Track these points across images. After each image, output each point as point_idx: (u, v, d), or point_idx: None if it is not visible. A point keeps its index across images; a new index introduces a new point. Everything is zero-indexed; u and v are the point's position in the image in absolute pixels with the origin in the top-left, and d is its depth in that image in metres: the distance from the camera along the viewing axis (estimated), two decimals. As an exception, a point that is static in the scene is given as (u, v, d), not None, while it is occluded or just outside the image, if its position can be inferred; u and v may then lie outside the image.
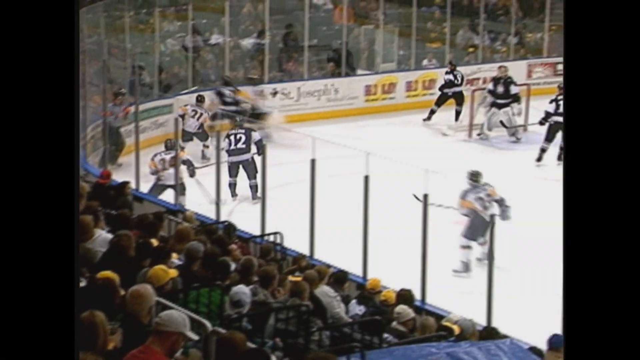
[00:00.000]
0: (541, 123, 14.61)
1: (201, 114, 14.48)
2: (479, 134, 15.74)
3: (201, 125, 14.42)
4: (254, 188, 12.25)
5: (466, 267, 10.13)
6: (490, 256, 7.79)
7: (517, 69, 18.97)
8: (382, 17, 18.73)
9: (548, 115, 14.49)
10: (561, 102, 14.13)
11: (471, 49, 19.66)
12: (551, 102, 14.58)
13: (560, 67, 19.50)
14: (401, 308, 6.76)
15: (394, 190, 12.48)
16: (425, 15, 19.58)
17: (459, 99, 16.70)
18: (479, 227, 10.08)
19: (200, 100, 14.72)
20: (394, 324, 6.64)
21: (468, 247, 10.20)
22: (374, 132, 16.34)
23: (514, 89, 15.78)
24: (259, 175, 10.43)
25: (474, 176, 10.43)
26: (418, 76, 18.52)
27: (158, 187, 11.72)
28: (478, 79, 18.74)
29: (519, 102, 15.88)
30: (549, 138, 14.33)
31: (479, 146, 15.55)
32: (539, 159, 14.38)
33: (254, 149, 12.55)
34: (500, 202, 10.12)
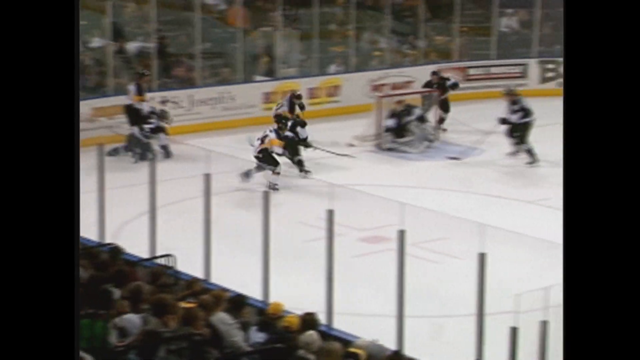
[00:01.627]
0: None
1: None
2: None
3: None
4: None
5: None
6: (400, 280, 7.85)
7: (425, 74, 19.30)
8: (281, 19, 18.76)
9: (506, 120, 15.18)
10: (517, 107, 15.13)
11: (377, 53, 19.87)
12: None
13: (472, 71, 19.88)
14: (308, 336, 6.74)
15: (298, 206, 12.55)
16: (328, 17, 19.68)
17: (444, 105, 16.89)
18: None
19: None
20: (301, 352, 6.61)
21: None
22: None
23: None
24: (147, 192, 10.27)
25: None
26: (321, 82, 18.63)
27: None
28: (385, 84, 18.97)
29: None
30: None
31: (386, 157, 15.70)
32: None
33: None
34: None
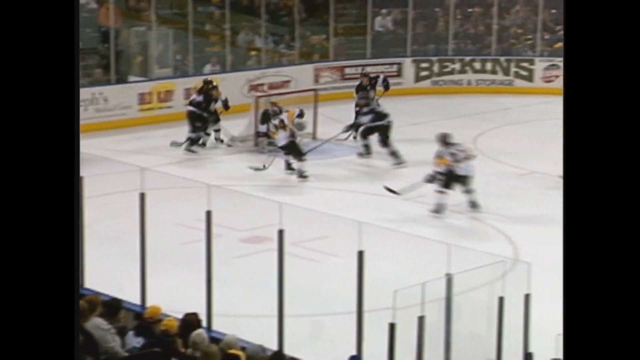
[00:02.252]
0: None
1: None
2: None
3: None
4: None
5: (441, 208, 12.62)
6: (280, 280, 7.87)
7: (303, 74, 19.39)
8: (154, 17, 18.54)
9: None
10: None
11: (254, 52, 19.86)
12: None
13: (348, 70, 20.08)
14: (197, 335, 6.71)
15: (176, 207, 12.43)
16: (204, 15, 19.56)
17: None
18: (451, 180, 12.71)
19: None
20: (189, 351, 6.57)
21: (442, 192, 12.67)
22: (150, 145, 16.15)
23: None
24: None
25: (445, 137, 12.95)
26: (197, 82, 18.49)
27: None
28: (262, 84, 18.99)
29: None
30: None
31: (265, 157, 15.73)
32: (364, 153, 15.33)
33: None
34: (470, 156, 12.92)
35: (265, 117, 15.62)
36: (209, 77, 16.57)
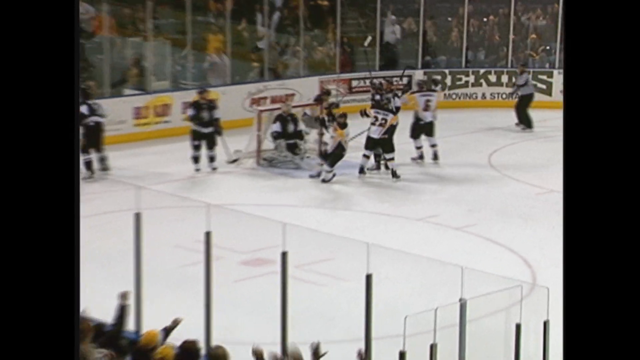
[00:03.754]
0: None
1: None
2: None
3: None
4: None
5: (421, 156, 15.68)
6: (283, 305, 7.87)
7: (308, 86, 19.43)
8: (151, 27, 18.59)
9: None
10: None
11: (256, 64, 19.90)
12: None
13: (355, 83, 20.12)
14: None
15: (174, 228, 12.43)
16: (203, 25, 19.62)
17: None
18: (415, 127, 14.91)
19: None
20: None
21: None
22: (147, 162, 16.18)
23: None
24: None
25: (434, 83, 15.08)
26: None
27: None
28: (265, 98, 19.03)
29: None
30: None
31: (267, 174, 15.74)
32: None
33: None
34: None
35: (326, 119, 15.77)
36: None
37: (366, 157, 15.30)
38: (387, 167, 15.32)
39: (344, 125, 15.15)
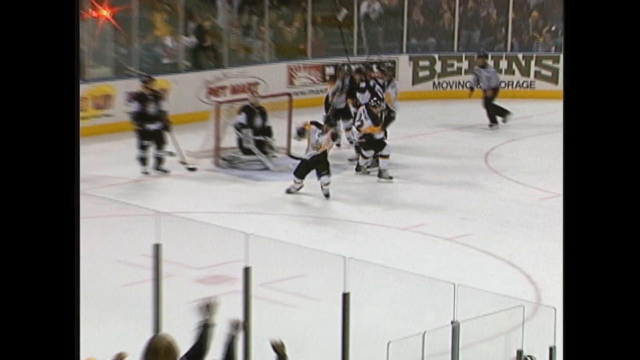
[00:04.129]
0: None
1: None
2: None
3: None
4: None
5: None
6: (246, 329, 7.89)
7: (274, 74, 19.44)
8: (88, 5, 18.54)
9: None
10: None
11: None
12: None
13: (330, 70, 20.13)
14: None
15: (117, 240, 12.40)
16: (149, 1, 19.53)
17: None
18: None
19: None
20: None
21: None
22: (85, 162, 16.08)
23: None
24: None
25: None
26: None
27: None
28: (224, 87, 19.01)
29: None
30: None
31: (228, 176, 15.74)
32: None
33: None
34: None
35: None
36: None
37: (365, 157, 15.41)
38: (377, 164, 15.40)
39: (335, 137, 15.19)
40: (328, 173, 14.50)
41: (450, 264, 12.16)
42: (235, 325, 7.21)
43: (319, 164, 14.48)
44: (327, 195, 14.45)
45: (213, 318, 7.08)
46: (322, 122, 15.01)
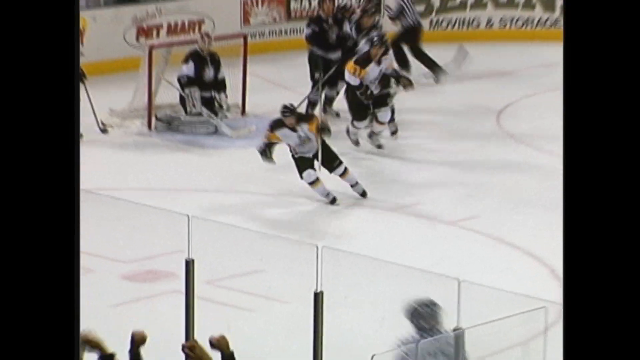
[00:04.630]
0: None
1: None
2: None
3: None
4: None
5: None
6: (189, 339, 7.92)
7: (224, 9, 19.39)
8: None
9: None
10: None
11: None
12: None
13: (295, 5, 20.11)
14: None
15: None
16: None
17: None
18: None
19: None
20: None
21: None
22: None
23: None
24: None
25: None
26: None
27: None
28: (159, 26, 18.96)
29: None
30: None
31: (166, 142, 15.73)
32: None
33: None
34: None
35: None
36: None
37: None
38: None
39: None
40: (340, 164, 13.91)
41: (452, 253, 12.22)
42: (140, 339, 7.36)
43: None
44: (362, 194, 13.97)
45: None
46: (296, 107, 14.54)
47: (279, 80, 17.42)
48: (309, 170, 13.40)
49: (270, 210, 13.62)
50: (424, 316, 7.91)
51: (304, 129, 13.53)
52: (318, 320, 7.44)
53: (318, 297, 7.41)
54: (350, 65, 14.91)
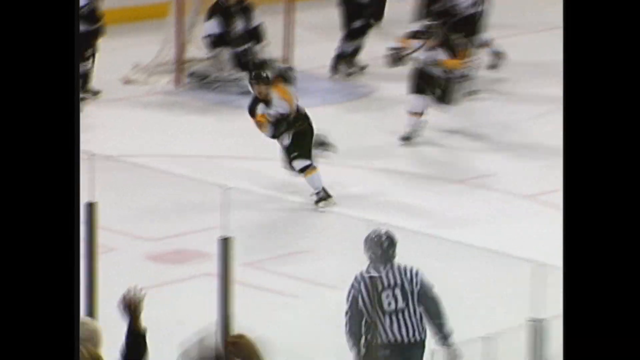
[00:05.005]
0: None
1: None
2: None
3: None
4: None
5: None
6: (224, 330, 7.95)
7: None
8: None
9: None
10: None
11: None
12: None
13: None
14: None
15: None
16: None
17: None
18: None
19: None
20: None
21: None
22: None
23: None
24: None
25: None
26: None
27: None
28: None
29: None
30: None
31: (198, 102, 15.79)
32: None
33: None
34: None
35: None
36: None
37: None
38: None
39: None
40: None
41: (530, 233, 12.21)
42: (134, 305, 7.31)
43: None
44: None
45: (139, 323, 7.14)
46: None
47: (327, 29, 17.39)
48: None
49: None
50: (370, 245, 8.01)
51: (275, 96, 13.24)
52: (374, 306, 7.46)
53: (374, 281, 7.42)
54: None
